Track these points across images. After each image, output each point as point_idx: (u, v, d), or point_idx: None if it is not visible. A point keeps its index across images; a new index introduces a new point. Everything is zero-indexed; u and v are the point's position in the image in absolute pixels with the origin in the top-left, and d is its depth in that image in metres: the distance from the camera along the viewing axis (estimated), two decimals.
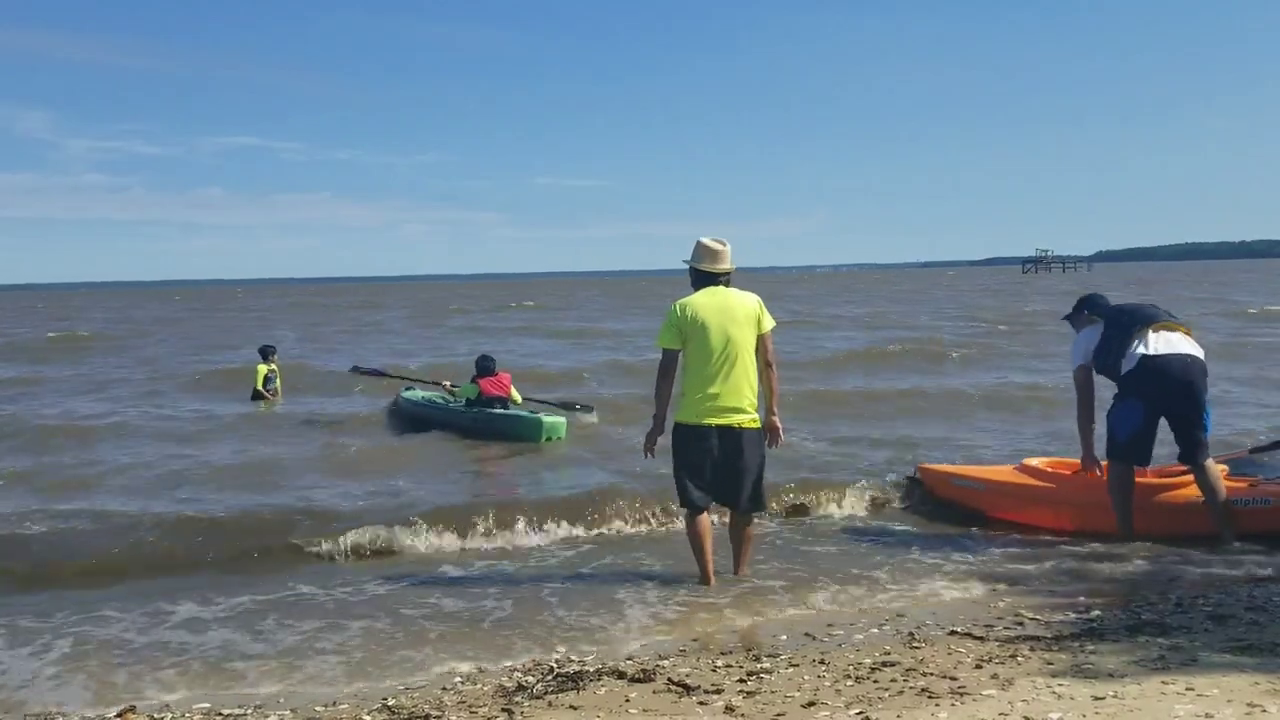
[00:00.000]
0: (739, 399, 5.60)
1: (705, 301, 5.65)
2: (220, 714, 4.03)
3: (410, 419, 12.71)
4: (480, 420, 11.68)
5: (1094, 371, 6.60)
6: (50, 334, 31.51)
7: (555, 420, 11.42)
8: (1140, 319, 6.51)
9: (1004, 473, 7.50)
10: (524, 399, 11.99)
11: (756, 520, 6.16)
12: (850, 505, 7.82)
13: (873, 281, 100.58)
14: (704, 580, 5.79)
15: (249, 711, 4.06)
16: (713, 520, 5.96)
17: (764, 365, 5.70)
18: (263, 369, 14.50)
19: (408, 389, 13.73)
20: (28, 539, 7.02)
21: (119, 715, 4.08)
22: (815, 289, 74.64)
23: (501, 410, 11.72)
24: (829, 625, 4.99)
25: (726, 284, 5.75)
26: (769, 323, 5.73)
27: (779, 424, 5.85)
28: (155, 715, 4.06)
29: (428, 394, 13.19)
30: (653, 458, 5.85)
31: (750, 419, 5.66)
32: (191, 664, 4.84)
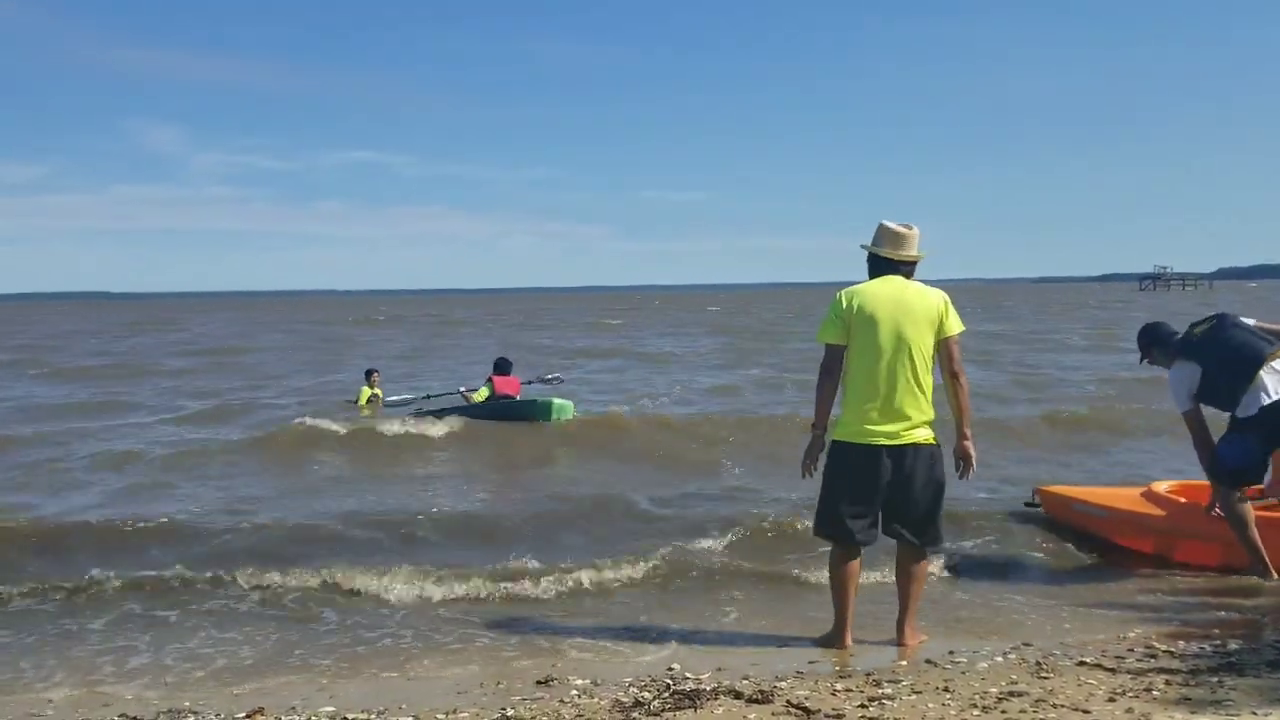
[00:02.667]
0: (913, 412, 4.73)
1: (878, 291, 4.80)
2: (346, 717, 4.11)
3: (427, 411, 13.55)
4: (497, 408, 13.01)
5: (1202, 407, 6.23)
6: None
7: (563, 402, 12.88)
8: (1249, 359, 5.97)
9: (1129, 499, 7.14)
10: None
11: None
12: (964, 527, 7.54)
13: (981, 296, 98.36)
14: (837, 638, 4.96)
15: (373, 715, 4.13)
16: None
17: (949, 376, 4.82)
18: (366, 391, 15.01)
19: (420, 398, 14.79)
20: (149, 542, 7.33)
21: (248, 716, 4.19)
22: None
23: (515, 399, 13.15)
24: (950, 652, 4.85)
25: (909, 275, 4.91)
26: (956, 325, 4.81)
27: (971, 449, 4.90)
28: (282, 717, 4.16)
29: (437, 399, 14.23)
30: (811, 477, 4.97)
31: (927, 435, 4.79)
32: (314, 668, 4.98)
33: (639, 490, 9.04)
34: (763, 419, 13.03)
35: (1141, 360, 6.68)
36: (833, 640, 5.00)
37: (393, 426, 12.42)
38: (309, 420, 12.05)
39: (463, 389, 13.76)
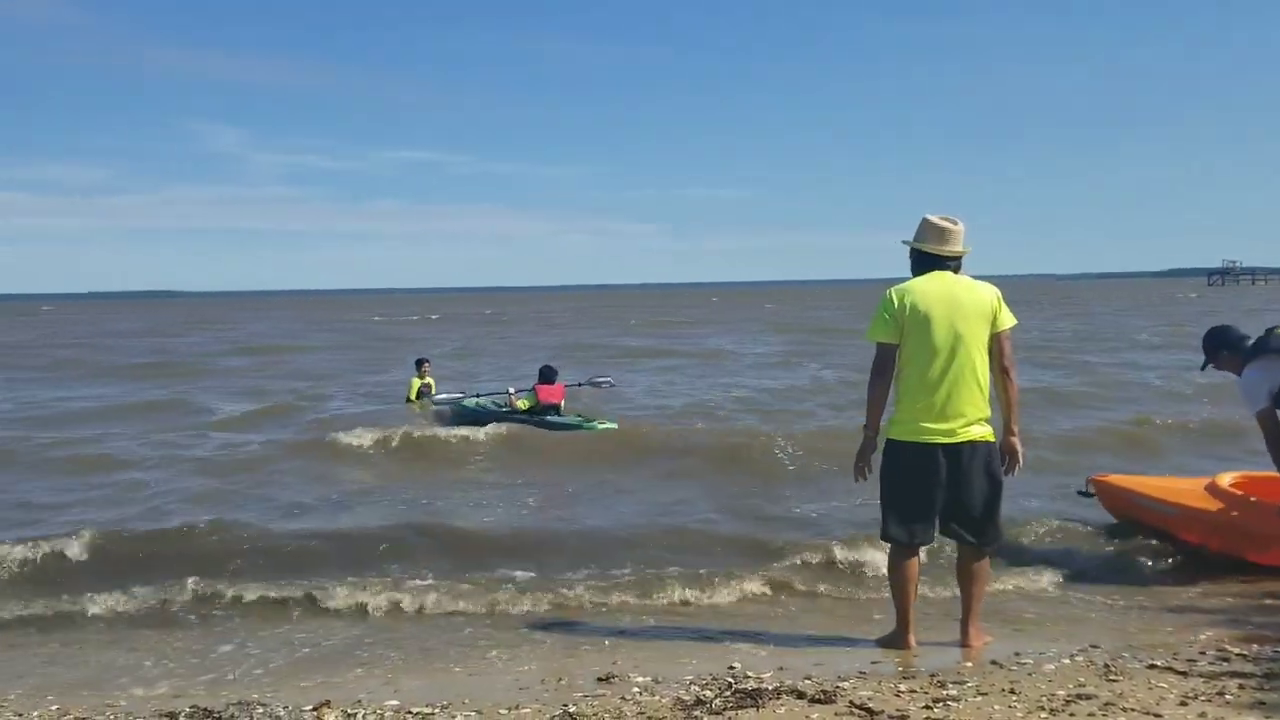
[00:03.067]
0: (970, 409, 4.66)
1: (928, 289, 4.71)
2: (410, 712, 4.16)
3: (470, 421, 13.38)
4: (541, 427, 12.61)
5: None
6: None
7: (610, 426, 12.44)
8: None
9: (1192, 492, 6.91)
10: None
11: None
12: (1023, 524, 7.43)
13: (1043, 292, 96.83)
14: (899, 639, 4.92)
15: (436, 709, 4.17)
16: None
17: (1000, 371, 4.75)
18: (416, 382, 15.12)
19: (468, 398, 14.66)
20: (207, 546, 7.49)
21: (314, 709, 4.25)
22: None
23: (558, 419, 12.81)
24: (1015, 653, 4.78)
25: (956, 270, 4.83)
26: (1009, 319, 4.78)
27: (1019, 445, 4.85)
28: (349, 710, 4.22)
29: (483, 400, 14.10)
30: (865, 480, 4.90)
31: (984, 432, 4.72)
32: (379, 664, 5.06)
33: (700, 498, 9.04)
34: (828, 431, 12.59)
35: (1204, 366, 6.46)
36: (895, 641, 4.94)
37: (439, 433, 12.37)
38: (361, 432, 11.85)
39: (511, 390, 13.67)
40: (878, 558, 6.20)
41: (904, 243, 4.93)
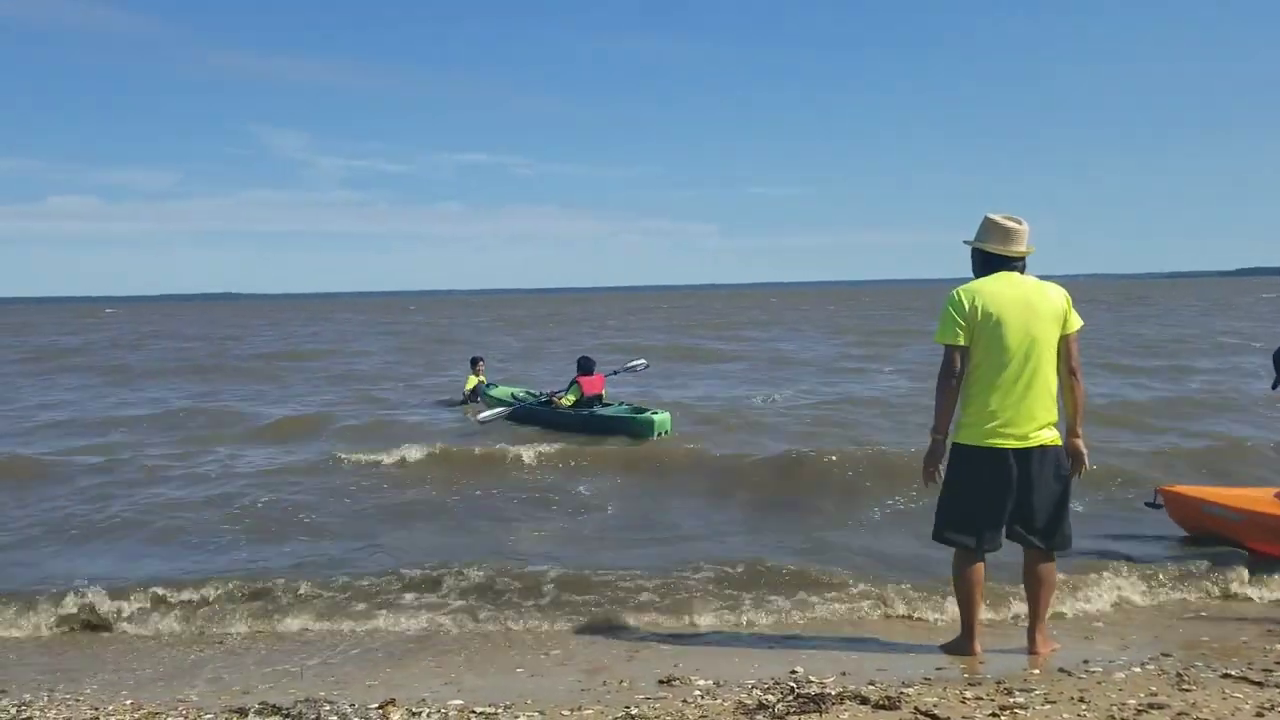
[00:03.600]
0: (1041, 413, 4.60)
1: (999, 290, 4.62)
2: (474, 711, 4.20)
3: (520, 418, 13.52)
4: (593, 421, 12.74)
5: None
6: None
7: (664, 416, 12.45)
8: None
9: (1264, 501, 6.78)
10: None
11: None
12: (1090, 531, 7.27)
13: (1109, 292, 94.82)
14: (965, 645, 4.84)
15: (499, 710, 4.21)
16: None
17: (1068, 373, 4.69)
18: (473, 379, 15.27)
19: (489, 385, 15.02)
20: (273, 543, 7.63)
21: (380, 707, 4.31)
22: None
23: (613, 411, 12.89)
24: (1084, 661, 4.70)
25: (1022, 270, 4.74)
26: (1077, 321, 4.70)
27: (1083, 447, 4.78)
28: (413, 709, 4.27)
29: (522, 394, 14.30)
30: (936, 484, 4.80)
31: (1053, 436, 4.67)
32: (444, 664, 5.13)
33: (759, 507, 8.94)
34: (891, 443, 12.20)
35: (1275, 385, 6.31)
36: (961, 647, 4.87)
37: (492, 447, 11.94)
38: (412, 447, 11.48)
39: (550, 394, 13.74)
40: (940, 565, 6.11)
41: (965, 243, 4.85)
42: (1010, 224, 4.71)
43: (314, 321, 64.58)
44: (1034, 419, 4.60)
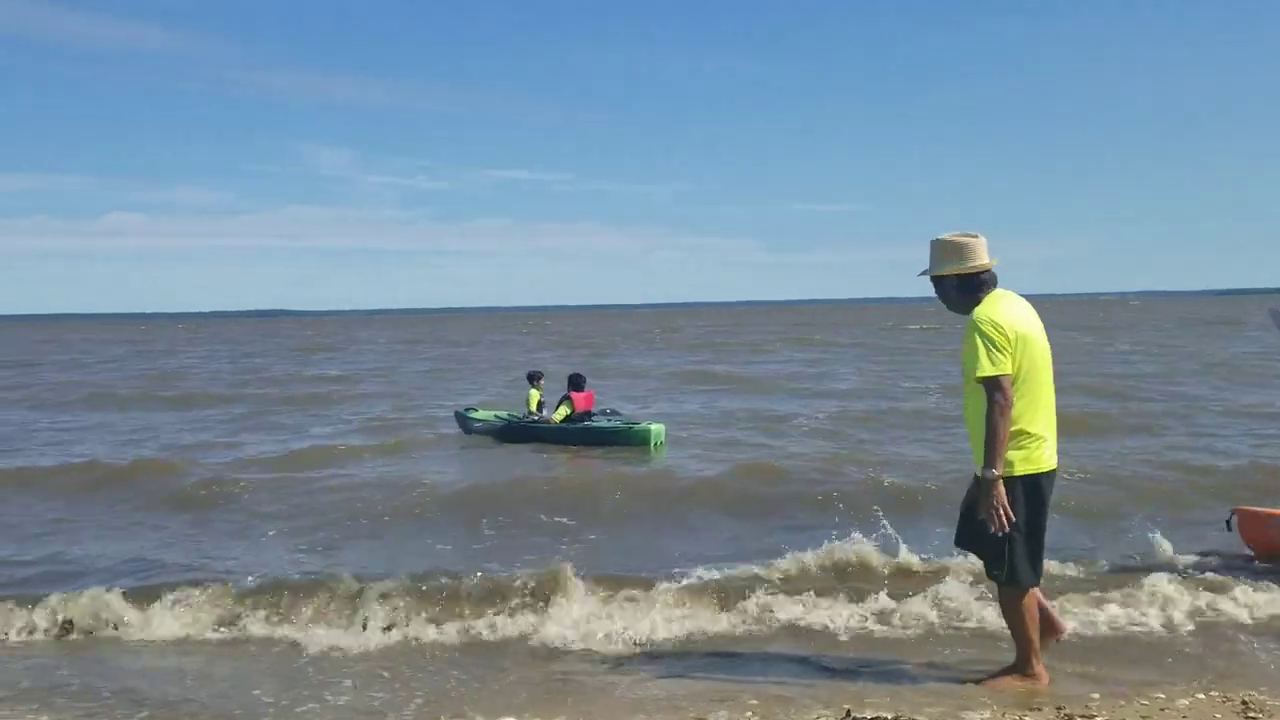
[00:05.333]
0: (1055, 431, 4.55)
1: (1017, 309, 4.48)
2: None
3: (514, 437, 13.70)
4: (589, 434, 13.09)
5: None
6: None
7: (659, 427, 12.89)
8: None
9: None
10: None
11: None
12: (1156, 557, 7.12)
13: (1163, 310, 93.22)
14: (1034, 665, 4.63)
15: None
16: None
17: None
18: (535, 394, 15.26)
19: (468, 409, 15.25)
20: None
21: None
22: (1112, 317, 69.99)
23: (608, 423, 13.26)
24: (1145, 685, 4.61)
25: (995, 284, 4.57)
26: None
27: None
28: None
29: (511, 414, 14.56)
30: (1008, 529, 4.36)
31: None
32: (508, 705, 4.80)
33: (789, 533, 8.47)
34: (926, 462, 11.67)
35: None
36: (1021, 669, 4.67)
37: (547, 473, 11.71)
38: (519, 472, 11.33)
39: (542, 414, 14.09)
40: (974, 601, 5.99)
41: (922, 274, 4.65)
42: (967, 239, 4.53)
43: (366, 337, 64.48)
44: (1054, 438, 4.52)
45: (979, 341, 4.33)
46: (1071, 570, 6.82)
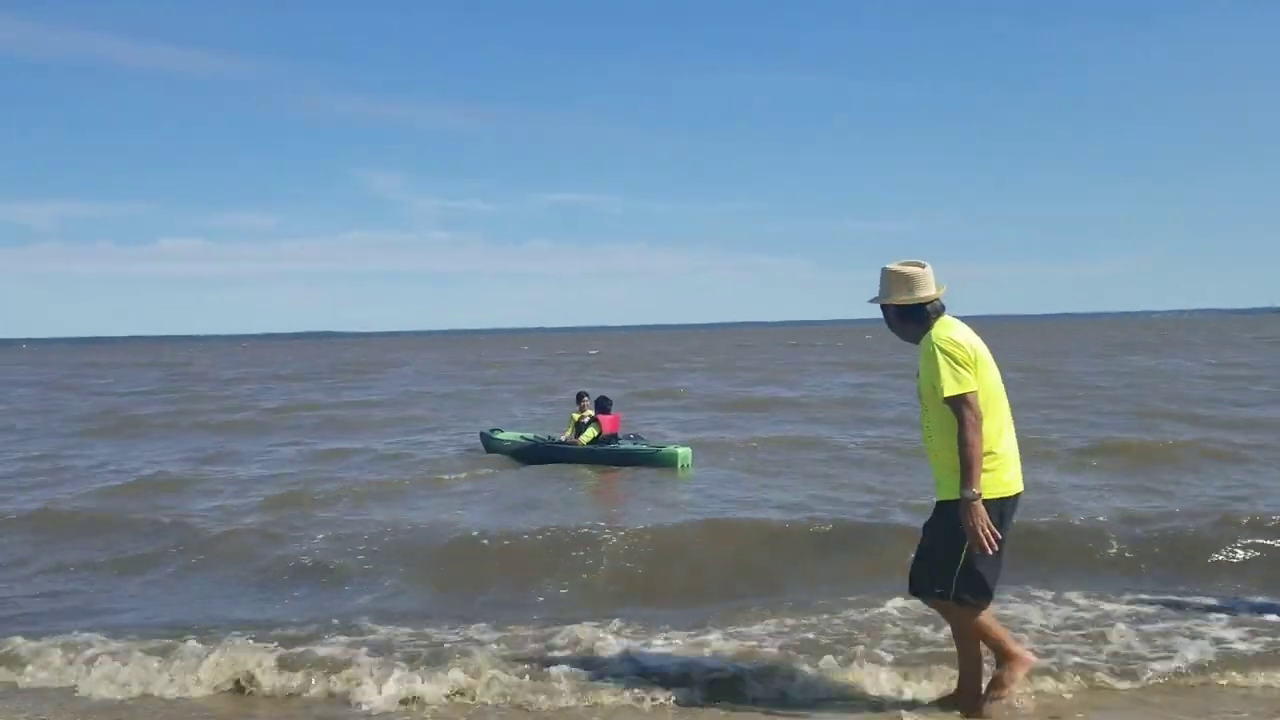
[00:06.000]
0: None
1: (971, 334, 4.54)
2: None
3: (540, 458, 13.68)
4: (615, 455, 13.24)
5: None
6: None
7: (685, 450, 12.96)
8: None
9: None
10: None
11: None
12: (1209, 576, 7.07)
13: (1219, 328, 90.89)
14: (1014, 650, 4.62)
15: None
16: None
17: None
18: (576, 416, 15.12)
19: (494, 430, 15.36)
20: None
21: None
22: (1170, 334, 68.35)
23: (635, 446, 13.41)
24: (1205, 713, 4.59)
25: (941, 313, 4.60)
26: None
27: None
28: None
29: (537, 435, 14.70)
30: (993, 548, 4.31)
31: None
32: None
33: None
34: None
35: None
36: (1008, 665, 4.62)
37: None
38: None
39: (566, 436, 14.18)
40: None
41: (872, 301, 4.69)
42: (915, 270, 4.56)
43: (412, 358, 64.43)
44: (1017, 462, 4.53)
45: (941, 361, 4.34)
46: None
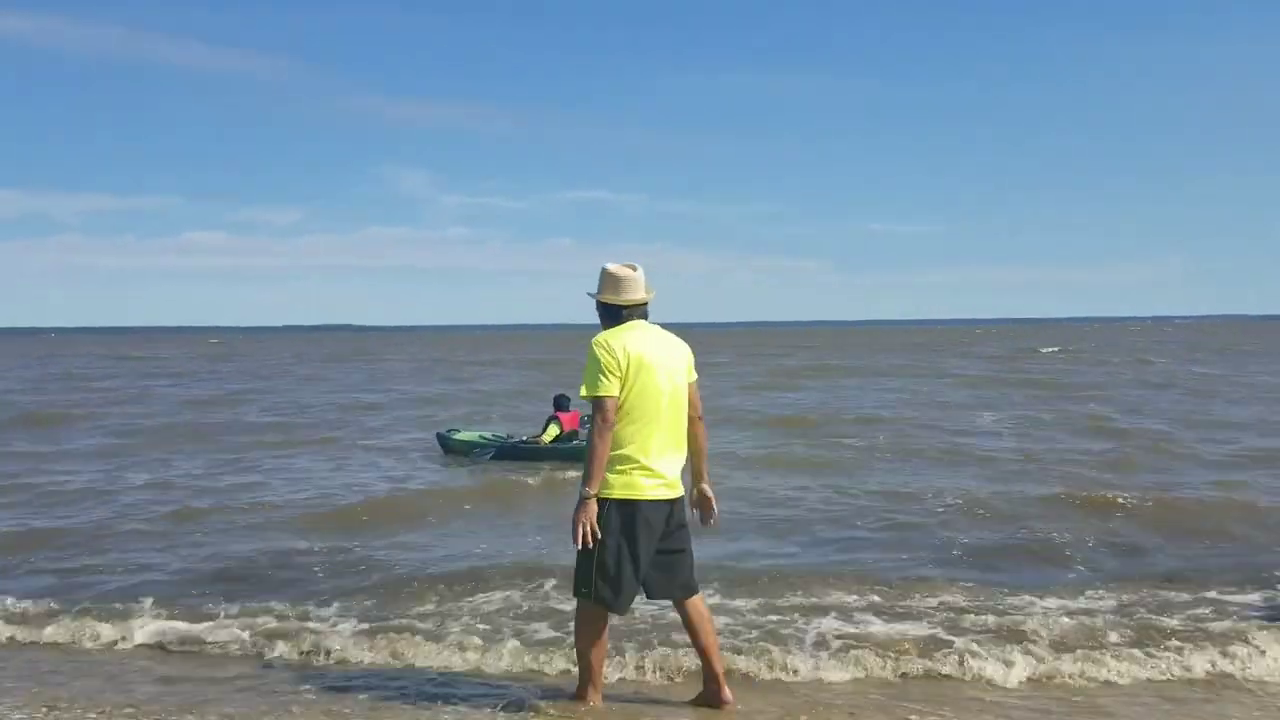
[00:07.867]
0: (679, 462, 4.69)
1: (640, 339, 4.61)
2: None
3: (505, 457, 13.71)
4: (580, 452, 12.70)
5: None
6: None
7: None
8: None
9: None
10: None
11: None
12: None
13: (1237, 334, 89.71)
14: (589, 693, 4.81)
15: None
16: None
17: (697, 418, 4.80)
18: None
19: (451, 430, 15.21)
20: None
21: None
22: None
23: (577, 432, 13.43)
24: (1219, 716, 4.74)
25: (646, 318, 4.74)
26: (694, 372, 4.81)
27: (711, 493, 4.88)
28: None
29: (498, 435, 14.68)
30: (593, 545, 4.48)
31: (681, 487, 4.74)
32: None
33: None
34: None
35: None
36: (581, 693, 4.85)
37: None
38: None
39: (528, 436, 14.29)
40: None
41: (589, 295, 4.83)
42: (625, 272, 4.71)
43: (427, 352, 63.95)
44: (674, 468, 4.64)
45: (589, 361, 4.54)
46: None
